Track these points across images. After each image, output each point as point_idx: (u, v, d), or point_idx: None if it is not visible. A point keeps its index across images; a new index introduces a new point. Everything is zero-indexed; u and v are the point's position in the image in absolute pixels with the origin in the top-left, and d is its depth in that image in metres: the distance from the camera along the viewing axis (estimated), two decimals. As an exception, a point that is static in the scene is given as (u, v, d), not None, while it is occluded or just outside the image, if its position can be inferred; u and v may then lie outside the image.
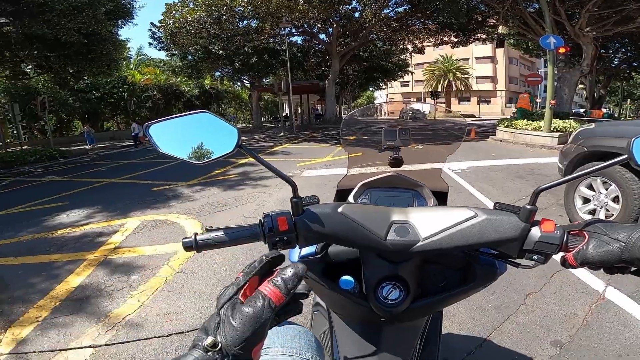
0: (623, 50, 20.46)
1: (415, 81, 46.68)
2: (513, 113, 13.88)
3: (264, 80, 27.67)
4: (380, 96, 56.61)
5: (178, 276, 2.72)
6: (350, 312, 0.64)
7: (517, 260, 0.53)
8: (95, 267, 2.96)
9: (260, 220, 0.52)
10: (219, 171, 7.38)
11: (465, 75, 40.69)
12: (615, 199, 3.17)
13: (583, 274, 2.47)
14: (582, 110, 24.27)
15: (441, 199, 0.91)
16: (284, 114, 25.89)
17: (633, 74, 24.53)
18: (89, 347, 1.92)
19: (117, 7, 13.24)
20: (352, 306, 0.59)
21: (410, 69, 31.68)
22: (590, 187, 3.42)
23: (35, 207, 5.22)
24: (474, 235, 0.49)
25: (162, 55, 66.95)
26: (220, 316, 0.37)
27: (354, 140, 1.22)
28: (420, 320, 0.65)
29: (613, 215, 3.13)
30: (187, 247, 0.50)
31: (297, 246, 0.53)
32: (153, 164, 9.45)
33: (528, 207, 0.48)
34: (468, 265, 0.61)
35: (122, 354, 1.86)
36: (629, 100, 42.76)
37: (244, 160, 8.59)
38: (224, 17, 17.39)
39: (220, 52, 20.72)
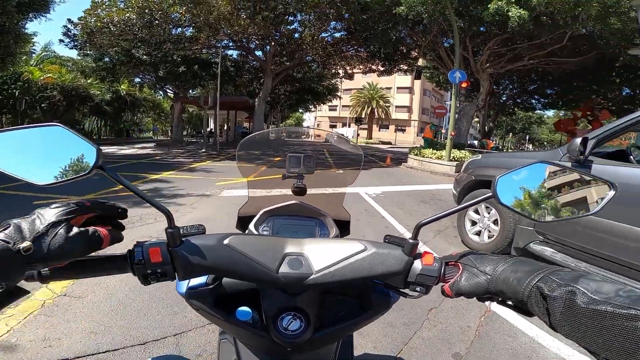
0: (510, 87, 25.04)
1: (343, 106, 49.69)
2: (421, 145, 15.60)
3: (190, 91, 26.19)
4: (308, 118, 58.51)
5: (60, 300, 2.37)
6: (254, 343, 0.61)
7: (404, 291, 0.55)
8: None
9: (129, 250, 0.48)
10: (121, 187, 6.42)
11: (387, 104, 44.88)
12: (496, 222, 3.55)
13: None
14: (475, 141, 27.78)
15: (344, 227, 0.93)
16: (208, 129, 24.62)
17: (516, 109, 30.11)
18: None
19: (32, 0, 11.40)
20: (255, 337, 0.57)
21: (339, 93, 33.59)
22: (477, 211, 3.84)
23: None
24: (363, 268, 0.51)
25: (73, 54, 58.72)
26: (48, 231, 0.39)
27: (256, 163, 1.20)
28: (329, 347, 0.64)
29: (494, 235, 3.51)
30: (28, 277, 0.44)
31: (177, 279, 0.50)
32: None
33: (411, 241, 0.51)
34: (364, 294, 0.62)
35: None
36: (511, 134, 52.35)
37: (156, 176, 7.90)
38: (157, 22, 16.17)
39: (145, 57, 19.05)
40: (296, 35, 18.56)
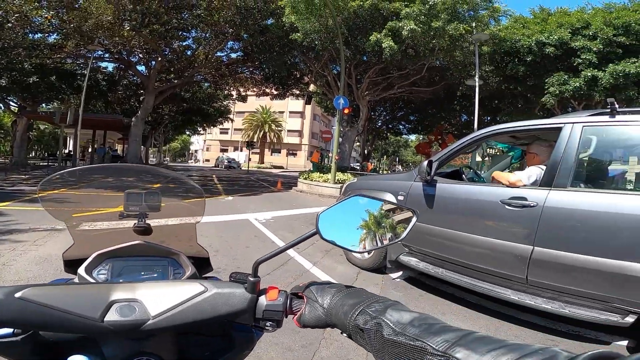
0: (384, 113, 29.06)
1: (235, 129, 48.75)
2: (310, 169, 16.32)
3: (43, 105, 21.56)
4: (197, 141, 55.01)
5: None
6: None
7: (260, 325, 0.54)
8: None
9: None
10: None
11: (279, 128, 46.14)
12: None
13: None
14: (357, 164, 30.30)
15: (203, 264, 0.86)
16: (65, 152, 20.58)
17: (388, 134, 35.04)
18: None
19: None
20: None
21: (231, 115, 32.97)
22: None
23: None
24: (206, 310, 0.49)
25: None
26: None
27: (77, 202, 1.01)
28: None
29: (371, 253, 4.04)
30: None
31: None
32: None
33: (251, 279, 0.51)
34: (226, 332, 0.60)
35: None
36: (385, 156, 60.35)
37: None
38: (10, 24, 12.95)
39: (-21, 61, 14.84)
40: (188, 52, 17.68)
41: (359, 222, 0.56)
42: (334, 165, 12.38)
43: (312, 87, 22.31)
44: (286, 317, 0.52)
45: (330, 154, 29.74)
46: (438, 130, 23.43)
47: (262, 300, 0.51)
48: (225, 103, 28.54)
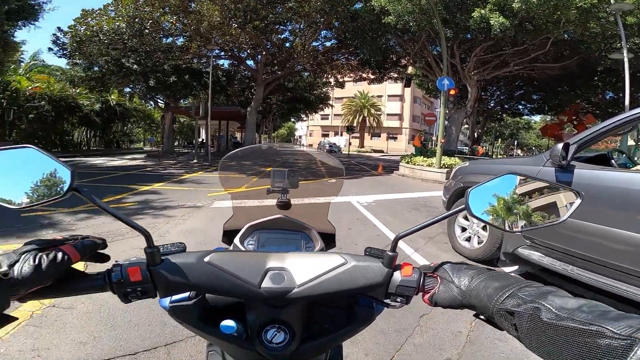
0: (497, 93, 25.51)
1: (335, 115, 50.10)
2: (412, 153, 15.79)
3: (181, 101, 26.11)
4: (301, 127, 58.74)
5: (49, 310, 2.35)
6: (240, 356, 0.62)
7: (387, 301, 0.55)
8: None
9: (107, 269, 0.49)
10: (112, 198, 6.45)
11: (378, 112, 45.37)
12: (485, 227, 3.54)
13: None
14: (465, 148, 28.00)
15: (330, 239, 0.95)
16: (199, 140, 24.52)
17: (504, 115, 30.64)
18: None
19: (22, 7, 11.42)
20: (240, 350, 0.58)
21: (330, 102, 33.86)
22: (466, 218, 3.83)
23: None
24: (344, 281, 0.52)
25: (62, 62, 58.25)
26: (20, 258, 0.43)
27: (239, 178, 1.20)
28: (318, 358, 0.65)
29: (484, 241, 3.53)
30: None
31: (158, 296, 0.51)
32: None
33: (389, 253, 0.52)
34: (350, 305, 0.63)
35: None
36: (499, 139, 53.23)
37: (146, 187, 7.83)
38: (147, 31, 16.17)
39: (135, 66, 18.94)
40: (287, 44, 18.76)
41: (510, 200, 0.54)
42: (440, 149, 11.69)
43: (410, 70, 21.01)
44: (416, 295, 0.53)
45: (434, 138, 28.09)
46: (572, 109, 20.00)
47: (397, 275, 0.52)
48: (324, 90, 29.41)
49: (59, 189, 0.45)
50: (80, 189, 0.45)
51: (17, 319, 0.44)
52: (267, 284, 0.51)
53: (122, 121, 30.73)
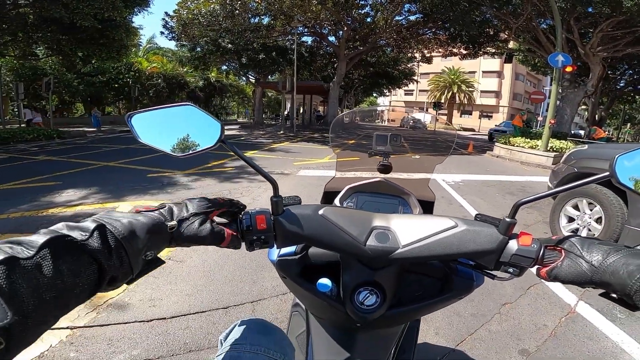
0: (630, 72, 20.53)
1: (420, 90, 46.79)
2: (509, 131, 13.95)
3: (269, 77, 27.66)
4: (382, 103, 56.72)
5: (167, 263, 2.65)
6: (327, 316, 0.63)
7: (494, 272, 0.52)
8: (82, 248, 2.88)
9: (239, 216, 0.52)
10: (215, 163, 7.35)
11: (470, 89, 40.86)
12: (598, 220, 3.24)
13: (558, 288, 2.57)
14: (582, 131, 23.92)
15: (427, 208, 0.91)
16: (285, 113, 25.86)
17: (637, 97, 24.61)
18: (67, 328, 1.86)
19: (135, -6, 13.25)
20: (329, 309, 0.59)
21: (415, 77, 31.73)
22: (576, 207, 3.50)
23: (27, 185, 5.15)
24: (453, 245, 0.49)
25: (171, 45, 67.04)
26: (189, 218, 0.48)
27: (344, 142, 1.19)
28: (396, 328, 0.64)
29: (595, 235, 3.15)
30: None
31: (275, 246, 0.53)
32: (151, 151, 9.27)
33: (507, 219, 0.48)
34: (446, 275, 0.61)
35: (99, 336, 1.81)
36: (628, 124, 43.03)
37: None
38: (237, 11, 17.39)
39: (229, 46, 20.66)
40: (368, 19, 18.02)
41: None
42: (547, 130, 10.45)
43: (512, 44, 18.22)
44: (530, 267, 0.48)
45: (539, 118, 24.27)
46: None
47: (513, 244, 0.48)
48: (409, 65, 27.61)
49: (210, 140, 0.49)
50: (226, 141, 0.49)
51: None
52: (372, 242, 0.51)
53: (220, 95, 34.25)
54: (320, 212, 0.52)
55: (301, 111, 29.31)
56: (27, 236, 0.34)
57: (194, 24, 18.49)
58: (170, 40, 22.13)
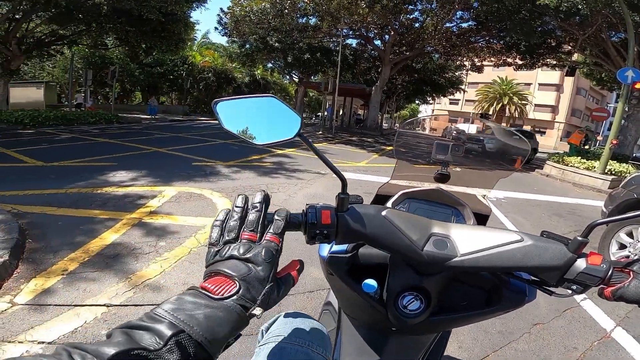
0: None
1: (466, 100, 44.87)
2: (565, 152, 12.98)
3: (312, 77, 27.99)
4: (425, 110, 55.09)
5: (202, 249, 2.77)
6: (363, 316, 0.64)
7: (552, 289, 0.52)
8: (130, 227, 3.11)
9: (303, 210, 0.52)
10: (255, 157, 7.61)
11: (523, 101, 38.50)
12: None
13: (596, 312, 2.45)
14: None
15: (481, 221, 0.89)
16: (325, 113, 26.05)
17: None
18: (103, 305, 1.96)
19: (194, -10, 14.03)
20: (368, 310, 0.59)
21: (463, 86, 30.51)
22: (630, 235, 3.34)
23: (86, 164, 5.66)
24: (516, 259, 0.49)
25: (222, 40, 70.08)
26: (269, 290, 0.42)
27: (406, 150, 1.19)
28: (429, 336, 0.65)
29: None
30: None
31: (334, 242, 0.53)
32: (197, 141, 9.96)
33: (579, 238, 0.48)
34: (495, 287, 0.60)
35: (132, 315, 1.89)
36: None
37: (281, 151, 8.81)
38: (286, 10, 17.81)
39: (277, 44, 21.14)
40: (416, 24, 17.62)
41: None
42: (608, 151, 9.66)
43: (575, 57, 16.93)
44: (596, 286, 0.49)
45: (599, 137, 22.27)
46: None
47: (581, 262, 0.48)
48: (457, 74, 26.60)
49: (289, 132, 0.50)
50: (302, 135, 0.50)
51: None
52: (429, 248, 0.51)
53: (264, 92, 35.14)
54: (383, 213, 0.52)
55: (340, 113, 29.36)
56: (94, 345, 0.30)
57: (245, 21, 19.13)
58: (223, 35, 23.15)
